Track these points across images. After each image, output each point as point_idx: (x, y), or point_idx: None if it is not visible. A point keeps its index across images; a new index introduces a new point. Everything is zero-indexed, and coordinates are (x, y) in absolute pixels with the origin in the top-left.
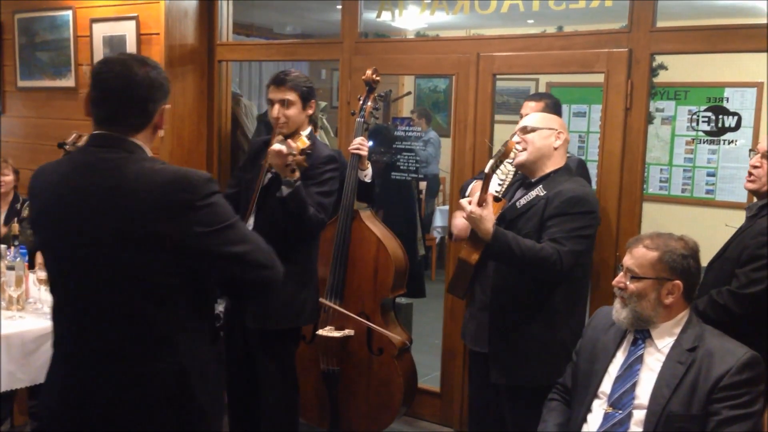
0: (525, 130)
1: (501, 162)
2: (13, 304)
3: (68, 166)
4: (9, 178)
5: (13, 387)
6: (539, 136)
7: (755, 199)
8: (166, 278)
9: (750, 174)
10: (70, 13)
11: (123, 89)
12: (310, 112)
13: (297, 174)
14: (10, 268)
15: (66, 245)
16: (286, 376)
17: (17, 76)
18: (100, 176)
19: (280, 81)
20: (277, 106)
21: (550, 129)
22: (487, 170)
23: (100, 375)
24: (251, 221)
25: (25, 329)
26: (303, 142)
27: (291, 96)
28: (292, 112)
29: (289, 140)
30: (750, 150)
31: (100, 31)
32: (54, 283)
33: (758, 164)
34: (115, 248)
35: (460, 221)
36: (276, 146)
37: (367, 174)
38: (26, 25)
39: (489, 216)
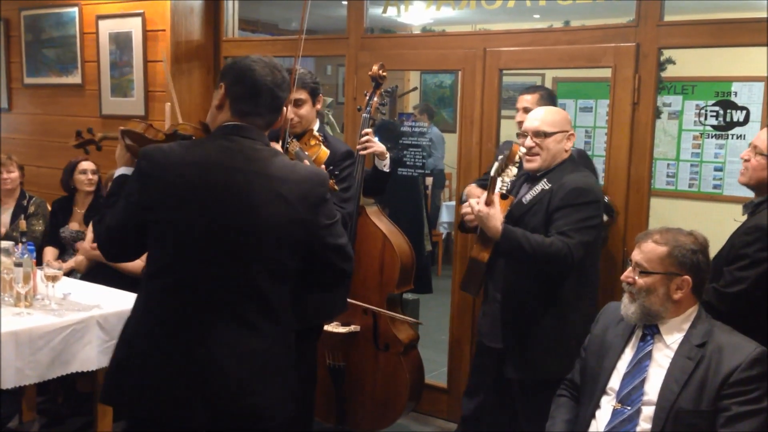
0: (538, 134)
1: (506, 165)
2: (21, 301)
3: (211, 151)
4: (14, 174)
5: (21, 384)
6: (554, 141)
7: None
8: (289, 261)
9: (743, 167)
10: (76, 9)
11: (272, 88)
12: (319, 107)
13: None
14: (18, 264)
15: (209, 224)
16: (307, 372)
17: (24, 72)
18: (250, 163)
19: (290, 81)
20: (289, 107)
21: (563, 132)
22: (492, 173)
23: (224, 349)
24: None
25: (33, 326)
26: (324, 151)
27: (302, 95)
28: (304, 110)
29: (315, 149)
30: (734, 141)
31: (106, 27)
32: (181, 260)
33: (747, 157)
34: (263, 230)
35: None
36: None
37: (386, 164)
38: (32, 22)
39: (497, 214)
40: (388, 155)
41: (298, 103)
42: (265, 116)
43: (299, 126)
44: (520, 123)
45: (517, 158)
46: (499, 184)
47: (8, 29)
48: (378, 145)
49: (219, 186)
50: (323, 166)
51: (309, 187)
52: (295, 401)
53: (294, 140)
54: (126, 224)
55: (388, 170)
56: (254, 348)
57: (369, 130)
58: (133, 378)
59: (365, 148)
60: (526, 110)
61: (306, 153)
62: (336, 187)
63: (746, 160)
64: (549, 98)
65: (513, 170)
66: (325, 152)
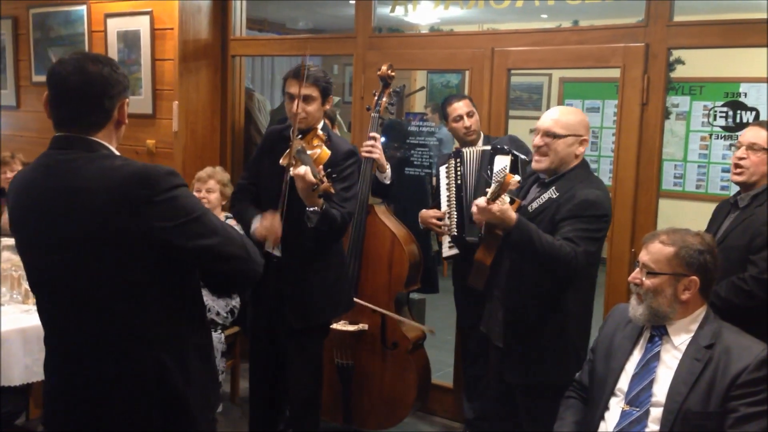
0: (549, 134)
1: (499, 195)
2: (29, 298)
3: (35, 171)
4: None
5: (29, 380)
6: (564, 144)
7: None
8: (136, 274)
9: (736, 166)
10: (84, 8)
11: (78, 88)
12: (327, 107)
13: (321, 201)
14: None
15: (38, 247)
16: (314, 371)
17: (32, 70)
18: (59, 178)
19: (301, 75)
20: (297, 102)
21: (575, 136)
22: (487, 198)
23: (82, 372)
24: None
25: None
26: (325, 151)
27: (312, 91)
28: (313, 107)
29: (307, 171)
30: (731, 145)
31: (115, 26)
32: (32, 283)
33: (744, 156)
34: (82, 248)
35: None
36: (300, 170)
37: (387, 175)
38: (41, 20)
39: (506, 208)
40: (388, 168)
41: (307, 99)
42: (83, 119)
43: (305, 122)
44: (468, 127)
45: (510, 188)
46: (507, 199)
47: (17, 27)
48: (380, 155)
49: (33, 209)
50: (320, 168)
51: (125, 191)
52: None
53: (299, 138)
54: None
55: (388, 182)
56: (115, 373)
57: (376, 135)
58: (46, 396)
59: (369, 151)
60: (469, 114)
61: (307, 153)
62: (332, 190)
63: (741, 158)
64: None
65: (516, 178)
66: (326, 153)
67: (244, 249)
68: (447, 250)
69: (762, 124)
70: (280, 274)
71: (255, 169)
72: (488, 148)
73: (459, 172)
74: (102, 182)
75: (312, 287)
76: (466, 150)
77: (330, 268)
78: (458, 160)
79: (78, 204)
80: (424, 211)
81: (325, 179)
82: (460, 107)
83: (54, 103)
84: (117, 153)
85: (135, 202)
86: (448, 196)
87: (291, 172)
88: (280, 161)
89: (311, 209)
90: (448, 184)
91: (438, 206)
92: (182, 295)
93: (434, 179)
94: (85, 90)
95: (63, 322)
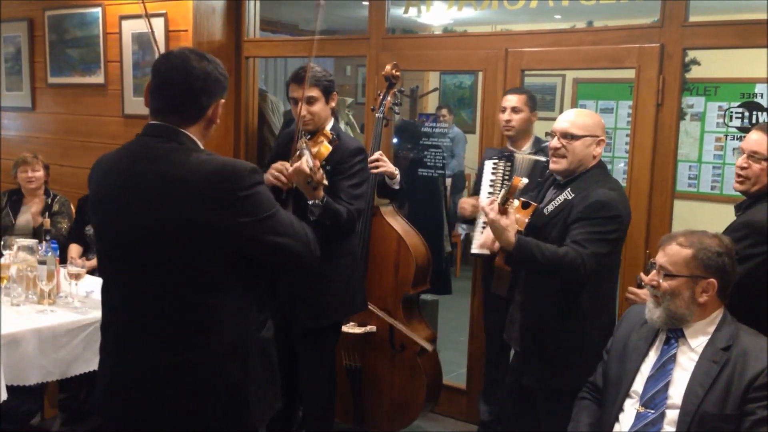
0: (566, 136)
1: (508, 199)
2: (45, 298)
3: (122, 155)
4: (39, 173)
5: (44, 380)
6: (582, 144)
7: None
8: (210, 266)
9: (738, 175)
10: (99, 10)
11: (179, 81)
12: (333, 104)
13: (321, 192)
14: (42, 262)
15: (118, 230)
16: (327, 371)
17: (47, 72)
18: (150, 164)
19: (301, 78)
20: (301, 105)
21: (592, 136)
22: (499, 204)
23: (145, 361)
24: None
25: (56, 323)
26: (326, 147)
27: (314, 92)
28: (317, 108)
29: (306, 159)
30: (734, 149)
31: (129, 27)
32: (103, 267)
33: (745, 165)
34: (162, 234)
35: (484, 237)
36: (297, 164)
37: (396, 181)
38: (56, 22)
39: (511, 225)
40: (398, 175)
41: (310, 101)
42: (179, 112)
43: (312, 123)
44: (508, 121)
45: (517, 192)
46: (515, 203)
47: (32, 29)
48: (389, 166)
49: (119, 192)
50: (317, 162)
51: (212, 184)
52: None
53: (306, 137)
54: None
55: (397, 188)
56: (176, 363)
57: (380, 153)
58: (101, 380)
59: (376, 167)
60: (515, 110)
61: (308, 149)
62: (325, 182)
63: (743, 168)
64: (533, 99)
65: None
66: (327, 148)
67: (308, 246)
68: (477, 248)
69: (763, 127)
70: (292, 274)
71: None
72: (543, 159)
73: (507, 176)
74: (191, 173)
75: (324, 286)
76: (519, 156)
77: (340, 268)
78: (509, 163)
79: (166, 191)
80: (464, 199)
81: (319, 171)
82: (509, 99)
83: (154, 93)
84: (203, 148)
85: (221, 196)
86: (490, 193)
87: (289, 168)
88: (289, 162)
89: (312, 202)
90: (493, 182)
91: (477, 194)
92: (251, 293)
93: (478, 168)
94: (186, 84)
95: (131, 307)
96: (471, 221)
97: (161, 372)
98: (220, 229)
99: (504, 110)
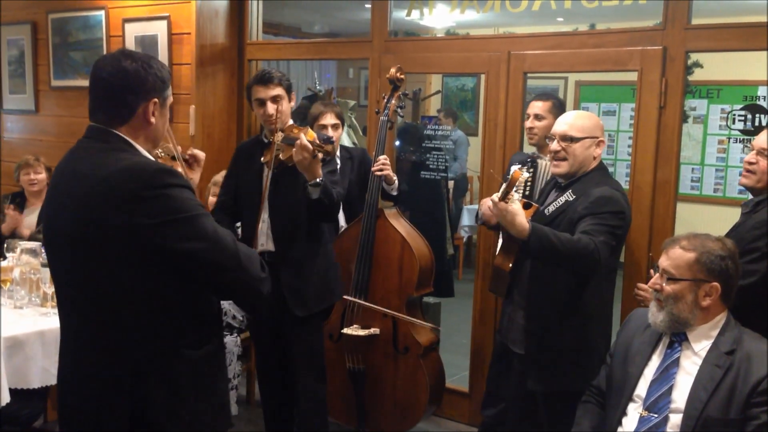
0: (565, 138)
1: (509, 192)
2: (48, 301)
3: (64, 157)
4: (42, 176)
5: (47, 383)
6: (582, 146)
7: (750, 196)
8: (123, 273)
9: (746, 170)
10: (102, 13)
11: (102, 80)
12: (293, 104)
13: (320, 170)
14: (45, 265)
15: (51, 233)
16: (317, 363)
17: (51, 75)
18: (75, 164)
19: (267, 79)
20: (269, 104)
21: (592, 138)
22: (498, 198)
23: (65, 367)
24: (265, 217)
25: (59, 326)
26: (311, 134)
27: (279, 91)
28: (284, 106)
29: (302, 137)
30: (744, 146)
31: (132, 30)
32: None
33: (754, 160)
34: (78, 237)
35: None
36: (302, 140)
37: (394, 187)
38: (60, 25)
39: (520, 211)
40: (396, 181)
41: (276, 100)
42: (105, 111)
43: (279, 121)
44: (531, 129)
45: (517, 185)
46: (516, 196)
47: (36, 32)
48: (389, 171)
49: (53, 194)
50: (314, 137)
51: (115, 183)
52: None
53: (279, 132)
54: None
55: (395, 194)
56: (83, 375)
57: (385, 157)
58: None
59: (380, 170)
60: (537, 117)
61: (293, 137)
62: (330, 148)
63: (751, 163)
64: (560, 106)
65: (525, 174)
66: (312, 133)
67: (236, 259)
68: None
69: None
70: (276, 267)
71: (231, 184)
72: None
73: (529, 183)
74: (99, 172)
75: (308, 275)
76: (541, 162)
77: (319, 256)
78: (532, 169)
79: (80, 191)
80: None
81: (322, 143)
82: (534, 106)
83: (89, 93)
84: (139, 149)
85: (122, 196)
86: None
87: (296, 145)
88: (262, 159)
89: (313, 182)
90: (516, 188)
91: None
92: (179, 307)
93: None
94: (110, 83)
95: (61, 310)
96: (496, 227)
97: (73, 382)
98: (122, 232)
99: (528, 117)
